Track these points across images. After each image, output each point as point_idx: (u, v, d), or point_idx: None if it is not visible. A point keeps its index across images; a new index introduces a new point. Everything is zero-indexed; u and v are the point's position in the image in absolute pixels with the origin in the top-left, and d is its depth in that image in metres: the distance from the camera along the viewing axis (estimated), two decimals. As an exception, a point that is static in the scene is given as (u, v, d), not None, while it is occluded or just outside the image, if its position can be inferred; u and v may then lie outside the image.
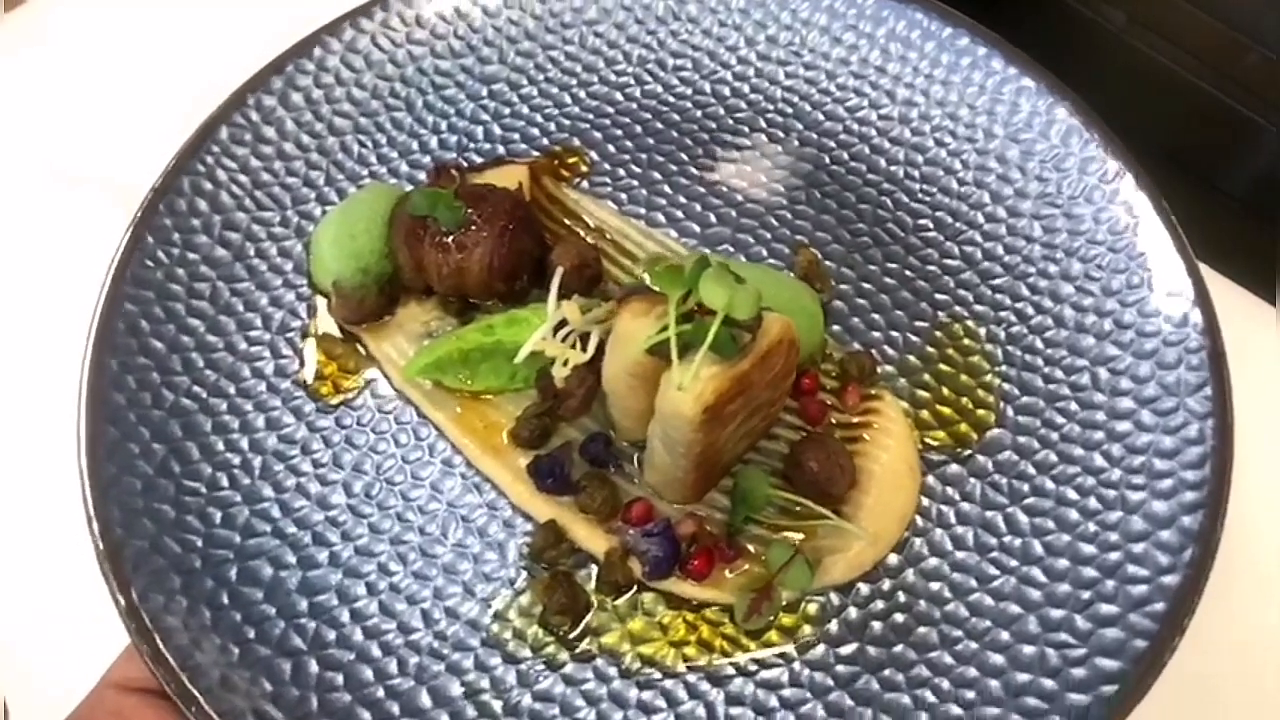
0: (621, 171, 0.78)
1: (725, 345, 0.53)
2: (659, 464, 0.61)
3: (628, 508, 0.63)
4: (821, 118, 0.80)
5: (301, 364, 0.69)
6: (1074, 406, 0.66)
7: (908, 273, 0.73)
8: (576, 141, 0.79)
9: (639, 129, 0.80)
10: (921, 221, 0.75)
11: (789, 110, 0.80)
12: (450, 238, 0.67)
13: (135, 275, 0.69)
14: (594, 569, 0.62)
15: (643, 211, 0.76)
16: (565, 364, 0.62)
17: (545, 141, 0.79)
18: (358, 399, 0.68)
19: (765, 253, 0.74)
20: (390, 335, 0.70)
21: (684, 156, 0.78)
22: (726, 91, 0.81)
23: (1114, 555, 0.60)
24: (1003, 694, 0.57)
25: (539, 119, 0.80)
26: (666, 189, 0.77)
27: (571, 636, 0.60)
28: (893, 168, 0.77)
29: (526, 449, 0.65)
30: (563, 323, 0.64)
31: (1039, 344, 0.69)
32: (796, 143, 0.78)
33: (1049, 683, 0.56)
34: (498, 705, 0.58)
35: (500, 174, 0.76)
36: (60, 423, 0.64)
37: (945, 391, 0.68)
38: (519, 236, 0.68)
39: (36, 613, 0.71)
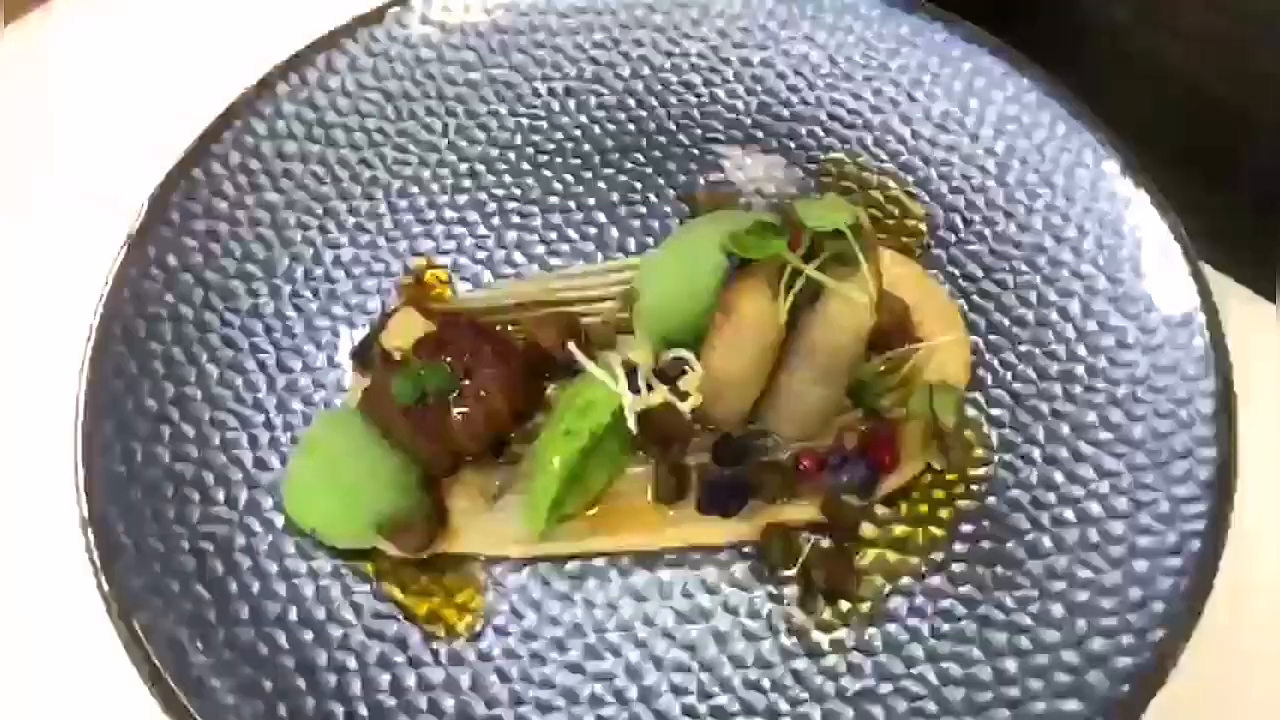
0: (479, 254, 0.75)
1: (866, 250, 0.56)
2: (807, 409, 0.63)
3: (797, 467, 0.64)
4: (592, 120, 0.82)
5: (413, 623, 0.61)
6: (953, 158, 0.77)
7: (764, 153, 0.78)
8: (414, 259, 0.74)
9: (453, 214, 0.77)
10: (730, 117, 0.81)
11: (554, 104, 0.81)
12: (460, 397, 0.62)
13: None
14: (814, 537, 0.63)
15: (535, 267, 0.74)
16: (684, 397, 0.61)
17: (389, 283, 0.73)
18: (495, 599, 0.62)
19: (659, 225, 0.76)
20: (468, 526, 0.63)
21: (511, 204, 0.77)
22: (493, 124, 0.80)
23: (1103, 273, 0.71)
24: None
25: (359, 272, 0.74)
26: (534, 235, 0.75)
27: (866, 590, 0.61)
28: (665, 107, 0.82)
29: (677, 503, 0.63)
30: (630, 373, 0.62)
31: (893, 141, 0.78)
32: (598, 130, 0.80)
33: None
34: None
35: (395, 329, 0.70)
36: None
37: (875, 213, 0.75)
38: (512, 351, 0.65)
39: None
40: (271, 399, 0.68)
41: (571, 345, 0.64)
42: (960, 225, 0.74)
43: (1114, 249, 0.71)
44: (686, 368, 0.61)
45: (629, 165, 0.78)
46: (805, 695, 0.58)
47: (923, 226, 0.75)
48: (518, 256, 0.74)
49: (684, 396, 0.60)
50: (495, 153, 0.79)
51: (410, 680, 0.59)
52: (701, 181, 0.78)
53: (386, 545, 0.62)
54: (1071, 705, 0.55)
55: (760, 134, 0.80)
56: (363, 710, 0.58)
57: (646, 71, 0.83)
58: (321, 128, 0.78)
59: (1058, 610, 0.59)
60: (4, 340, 0.75)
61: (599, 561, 0.63)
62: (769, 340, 0.58)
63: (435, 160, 0.79)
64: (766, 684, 0.59)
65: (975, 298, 0.71)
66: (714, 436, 0.65)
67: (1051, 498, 0.63)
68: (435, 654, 0.60)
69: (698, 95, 0.82)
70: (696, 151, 0.79)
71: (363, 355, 0.68)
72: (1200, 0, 0.75)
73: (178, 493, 0.64)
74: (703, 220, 0.69)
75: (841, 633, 0.60)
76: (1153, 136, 0.71)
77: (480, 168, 0.78)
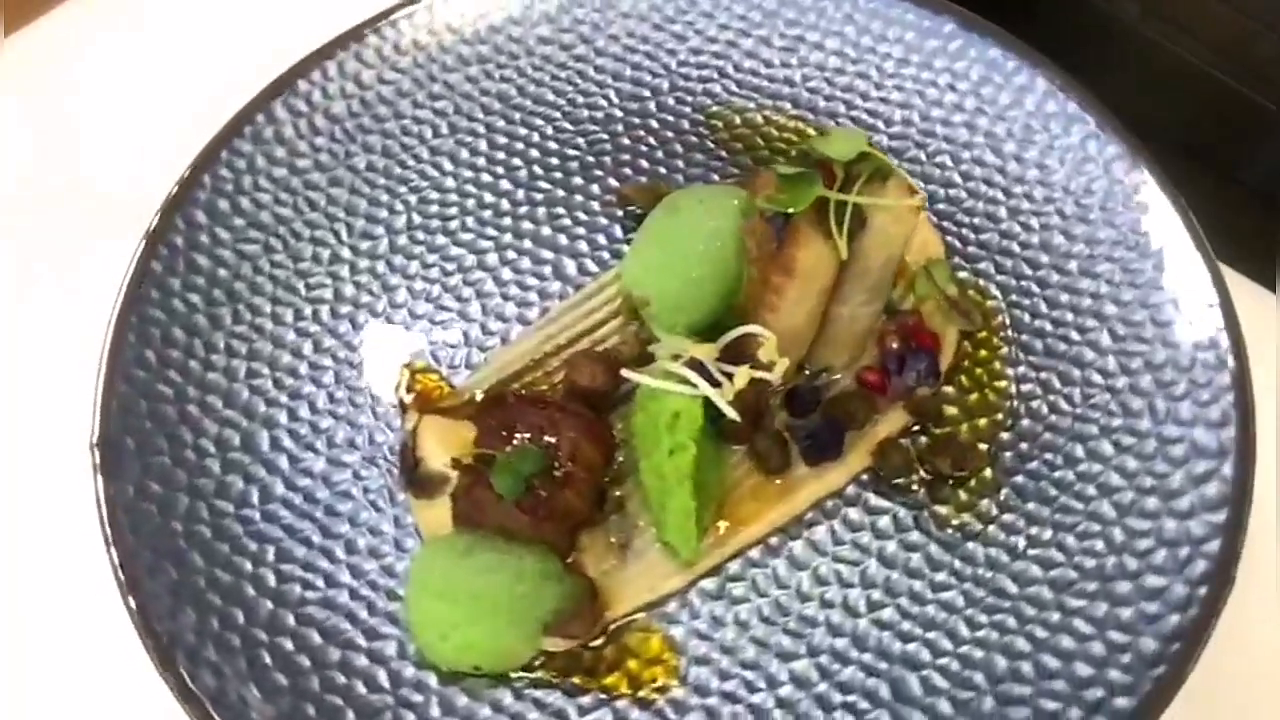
0: (454, 338, 0.72)
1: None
2: (857, 332, 0.66)
3: (865, 385, 0.67)
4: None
5: (622, 699, 0.59)
6: (811, 72, 0.82)
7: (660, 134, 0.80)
8: (396, 371, 0.70)
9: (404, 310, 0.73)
10: (600, 116, 0.81)
11: (428, 169, 0.78)
12: (560, 469, 0.60)
13: None
14: (905, 441, 0.67)
15: (516, 326, 0.72)
16: (770, 368, 0.61)
17: (381, 406, 0.69)
18: (681, 636, 0.61)
19: (603, 238, 0.75)
20: (614, 585, 0.62)
21: (452, 279, 0.74)
22: (381, 213, 0.76)
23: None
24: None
25: (344, 411, 0.69)
26: (494, 298, 0.73)
27: (979, 461, 0.66)
28: (535, 130, 0.81)
29: (789, 467, 0.65)
30: (699, 371, 0.62)
31: (751, 78, 0.82)
32: (488, 176, 0.78)
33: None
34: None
35: (426, 442, 0.66)
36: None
37: (779, 145, 0.79)
38: (570, 403, 0.63)
39: None
40: (341, 571, 0.63)
41: (626, 372, 0.63)
42: (851, 125, 0.79)
43: (992, 95, 0.78)
44: (760, 339, 0.62)
45: (538, 196, 0.77)
46: (987, 572, 0.62)
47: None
48: (493, 324, 0.72)
49: (769, 367, 0.61)
50: (403, 240, 0.75)
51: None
52: (614, 182, 0.78)
53: (555, 643, 0.59)
54: (1200, 466, 0.62)
55: (636, 120, 0.81)
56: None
57: (498, 106, 0.81)
58: (219, 287, 0.71)
59: (1136, 403, 0.66)
60: (8, 350, 0.75)
61: (752, 553, 0.63)
62: (828, 282, 0.60)
63: (348, 272, 0.74)
64: (951, 579, 0.62)
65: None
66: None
67: (1068, 316, 0.70)
68: (661, 715, 0.59)
69: (559, 108, 0.81)
70: (591, 159, 0.79)
71: (414, 480, 0.64)
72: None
73: (321, 708, 0.58)
74: (663, 209, 0.70)
75: (982, 505, 0.64)
76: (1157, 129, 0.73)
77: (397, 259, 0.75)
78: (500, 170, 0.78)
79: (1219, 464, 0.62)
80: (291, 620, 0.61)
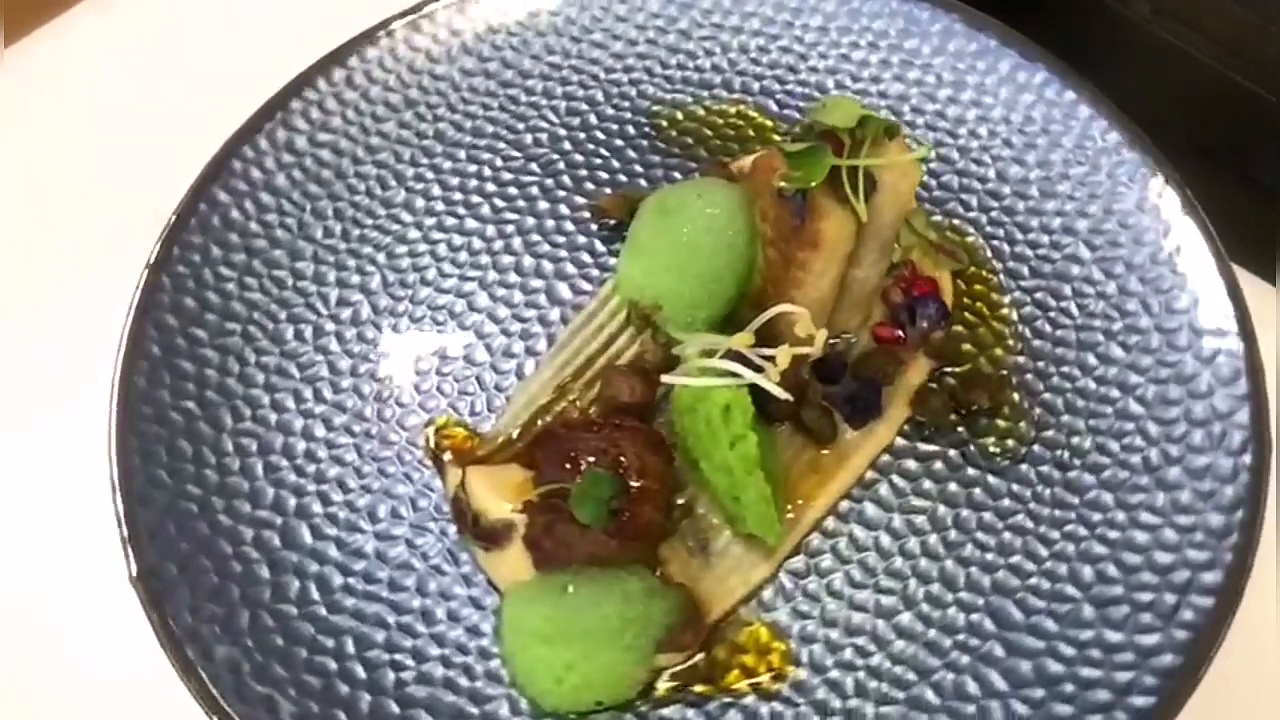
0: (470, 387, 0.70)
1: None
2: (869, 291, 0.68)
3: (882, 341, 0.69)
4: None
5: (746, 696, 0.59)
6: (735, 54, 0.83)
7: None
8: (421, 435, 0.68)
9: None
10: (542, 136, 0.81)
11: (388, 224, 0.76)
12: (637, 481, 0.60)
13: None
14: (935, 385, 0.69)
15: (530, 362, 0.71)
16: (812, 337, 0.62)
17: (417, 473, 0.67)
18: (784, 621, 0.62)
19: (588, 255, 0.75)
20: (713, 585, 0.62)
21: (451, 328, 0.72)
22: (353, 279, 0.74)
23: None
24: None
25: (377, 486, 0.67)
26: (499, 338, 0.72)
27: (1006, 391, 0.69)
28: (482, 165, 0.80)
29: (836, 436, 0.66)
30: (740, 361, 0.63)
31: (678, 71, 0.83)
32: (451, 219, 0.76)
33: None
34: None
35: (479, 494, 0.64)
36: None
37: (727, 131, 0.80)
38: (619, 420, 0.63)
39: None
40: (428, 644, 0.61)
41: (668, 378, 0.63)
42: (794, 108, 0.81)
43: (915, 47, 0.81)
44: (793, 316, 0.63)
45: (509, 228, 0.76)
46: (1044, 489, 0.65)
47: (767, 122, 0.81)
48: (503, 364, 0.71)
49: (807, 341, 0.62)
50: (384, 301, 0.73)
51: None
52: (580, 199, 0.77)
53: (668, 659, 0.59)
54: (1206, 346, 0.66)
55: (582, 134, 0.80)
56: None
57: (440, 148, 0.80)
58: (209, 389, 0.68)
59: (1130, 304, 0.69)
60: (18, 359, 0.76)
61: (826, 524, 0.64)
62: (849, 248, 0.62)
63: (337, 344, 0.72)
64: (1014, 504, 0.65)
65: (856, 142, 0.79)
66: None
67: (1043, 238, 0.74)
68: (789, 701, 0.59)
69: (502, 138, 0.80)
70: (550, 181, 0.78)
71: (480, 535, 0.62)
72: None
73: (456, 783, 0.56)
74: (650, 213, 0.70)
75: (1020, 428, 0.67)
76: (1166, 126, 0.74)
77: (384, 320, 0.73)
78: (462, 210, 0.77)
79: (1223, 340, 0.66)
80: (395, 707, 0.58)
